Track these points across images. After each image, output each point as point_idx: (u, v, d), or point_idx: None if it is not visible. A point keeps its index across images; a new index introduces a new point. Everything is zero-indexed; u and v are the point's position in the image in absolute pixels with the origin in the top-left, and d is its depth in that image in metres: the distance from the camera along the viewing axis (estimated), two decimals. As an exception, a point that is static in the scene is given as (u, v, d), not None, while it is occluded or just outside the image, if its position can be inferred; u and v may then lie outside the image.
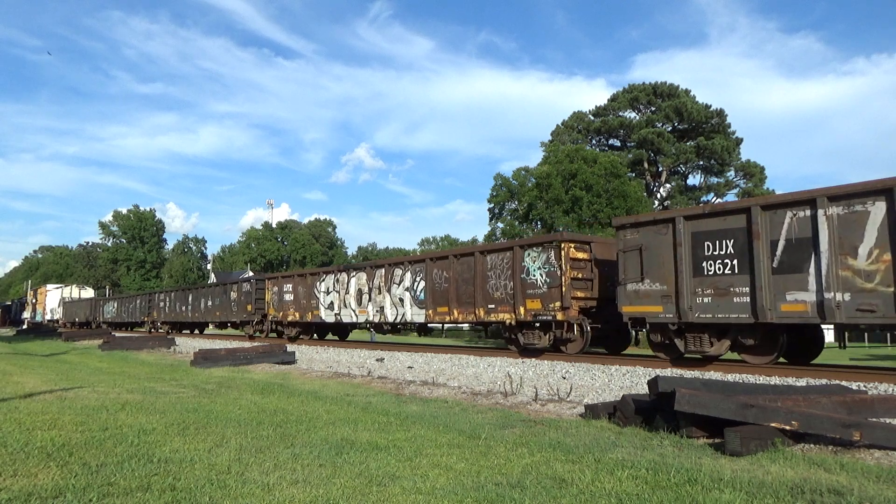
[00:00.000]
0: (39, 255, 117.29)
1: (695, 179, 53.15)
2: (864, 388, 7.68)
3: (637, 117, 51.47)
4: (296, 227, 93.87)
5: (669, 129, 49.77)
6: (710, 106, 49.21)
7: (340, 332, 22.64)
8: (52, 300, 60.20)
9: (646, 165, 49.58)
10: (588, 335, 12.18)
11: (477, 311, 13.82)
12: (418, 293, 15.68)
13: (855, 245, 8.38)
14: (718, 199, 51.59)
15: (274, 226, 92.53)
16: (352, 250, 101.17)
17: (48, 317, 59.49)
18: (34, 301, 66.47)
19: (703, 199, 51.79)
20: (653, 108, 50.82)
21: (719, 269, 9.68)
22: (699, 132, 49.26)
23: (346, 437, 5.94)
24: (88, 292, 60.88)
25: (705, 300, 9.85)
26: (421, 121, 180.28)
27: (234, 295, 25.09)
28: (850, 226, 8.44)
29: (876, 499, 3.92)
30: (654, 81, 51.12)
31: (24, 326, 60.60)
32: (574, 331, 12.17)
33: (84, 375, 12.44)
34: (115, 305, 42.23)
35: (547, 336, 12.77)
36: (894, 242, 8.07)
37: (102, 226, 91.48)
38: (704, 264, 9.88)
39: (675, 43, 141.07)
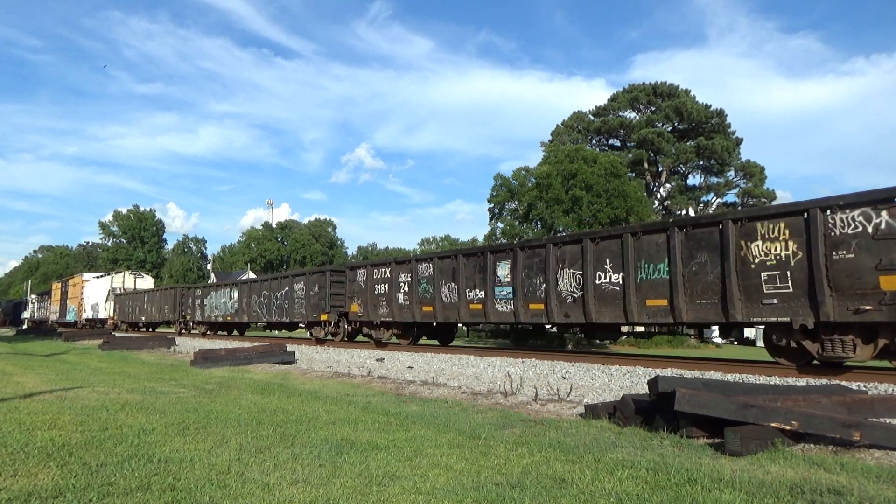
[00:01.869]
0: (39, 255, 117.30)
1: (695, 179, 53.21)
2: (864, 388, 7.68)
3: (637, 117, 51.48)
4: (296, 227, 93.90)
5: (669, 129, 49.78)
6: (710, 106, 49.25)
7: None
8: (94, 293, 44.65)
9: (646, 165, 49.58)
10: None
11: None
12: None
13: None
14: (719, 199, 51.68)
15: (274, 226, 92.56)
16: (352, 250, 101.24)
17: (88, 315, 44.65)
18: (63, 295, 51.66)
19: (703, 199, 51.86)
20: (653, 108, 50.83)
21: None
22: (699, 132, 49.28)
23: (346, 437, 5.94)
24: (147, 281, 45.58)
25: None
26: (421, 121, 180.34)
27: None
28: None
29: (876, 499, 3.92)
30: (653, 81, 51.19)
31: (24, 326, 59.44)
32: None
33: (84, 375, 12.44)
34: (235, 296, 26.00)
35: None
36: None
37: (102, 226, 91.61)
38: None
39: (674, 43, 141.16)
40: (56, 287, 56.25)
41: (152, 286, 43.49)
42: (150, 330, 36.86)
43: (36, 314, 62.61)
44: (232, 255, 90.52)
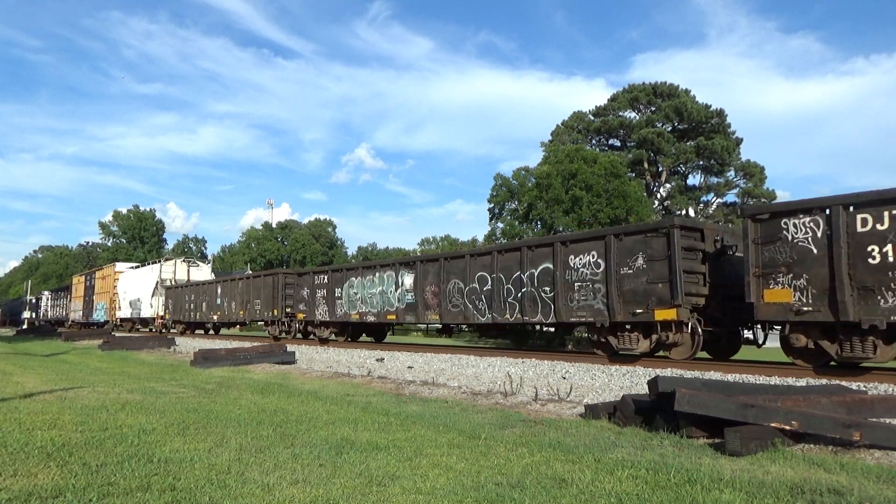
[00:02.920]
0: (39, 255, 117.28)
1: (695, 179, 53.20)
2: (864, 388, 7.68)
3: (637, 117, 51.49)
4: (296, 227, 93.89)
5: (669, 129, 49.79)
6: (710, 106, 49.24)
7: None
8: (133, 286, 36.07)
9: (646, 165, 49.58)
10: None
11: None
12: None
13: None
14: (719, 200, 51.74)
15: (274, 226, 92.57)
16: (352, 250, 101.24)
17: (124, 313, 36.67)
18: (89, 290, 43.11)
19: (703, 199, 51.89)
20: (653, 108, 50.85)
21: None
22: (699, 132, 49.28)
23: (346, 437, 5.94)
24: (203, 271, 36.31)
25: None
26: (421, 121, 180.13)
27: None
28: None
29: (876, 499, 3.92)
30: (653, 81, 51.21)
31: (24, 326, 58.68)
32: None
33: (84, 375, 12.44)
34: (407, 282, 16.59)
35: None
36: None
37: (102, 226, 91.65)
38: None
39: (674, 43, 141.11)
40: (78, 281, 47.59)
41: (210, 276, 35.21)
42: (214, 333, 28.92)
43: (49, 313, 55.40)
44: (232, 255, 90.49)
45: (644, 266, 11.04)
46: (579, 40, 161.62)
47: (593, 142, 52.57)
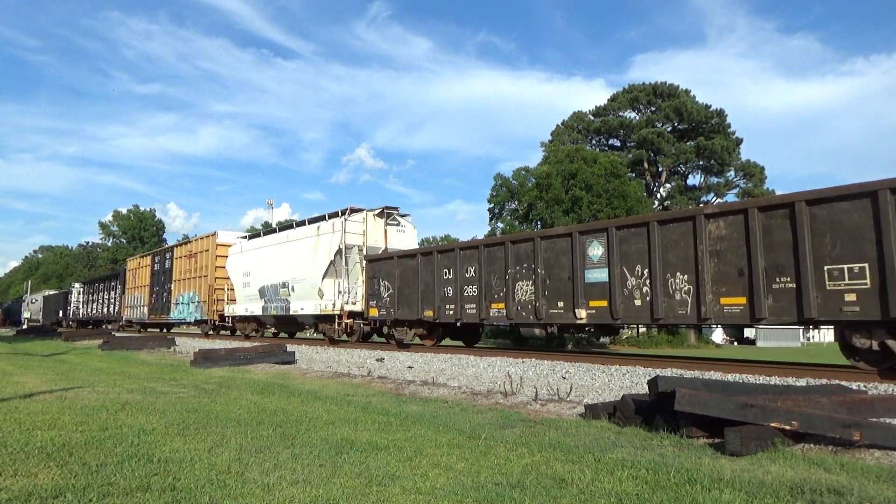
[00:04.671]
0: (39, 255, 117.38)
1: (695, 179, 53.27)
2: (864, 388, 7.68)
3: (637, 117, 51.51)
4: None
5: (669, 129, 49.81)
6: (710, 106, 49.29)
7: None
8: (271, 263, 21.62)
9: (646, 165, 49.61)
10: None
11: None
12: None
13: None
14: (719, 200, 51.76)
15: (274, 226, 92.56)
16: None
17: (244, 308, 23.24)
18: (161, 275, 29.87)
19: (703, 199, 51.92)
20: (653, 108, 50.87)
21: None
22: (699, 132, 49.30)
23: (346, 437, 5.94)
24: (408, 234, 20.23)
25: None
26: (420, 121, 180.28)
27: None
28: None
29: (876, 499, 3.92)
30: (653, 81, 51.23)
31: (23, 326, 58.31)
32: None
33: (84, 375, 12.43)
34: None
35: None
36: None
37: (102, 226, 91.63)
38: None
39: (673, 43, 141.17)
40: (138, 265, 32.99)
41: (416, 244, 20.54)
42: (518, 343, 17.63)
43: (82, 310, 43.48)
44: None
45: None
46: (579, 40, 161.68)
47: (593, 142, 52.61)
